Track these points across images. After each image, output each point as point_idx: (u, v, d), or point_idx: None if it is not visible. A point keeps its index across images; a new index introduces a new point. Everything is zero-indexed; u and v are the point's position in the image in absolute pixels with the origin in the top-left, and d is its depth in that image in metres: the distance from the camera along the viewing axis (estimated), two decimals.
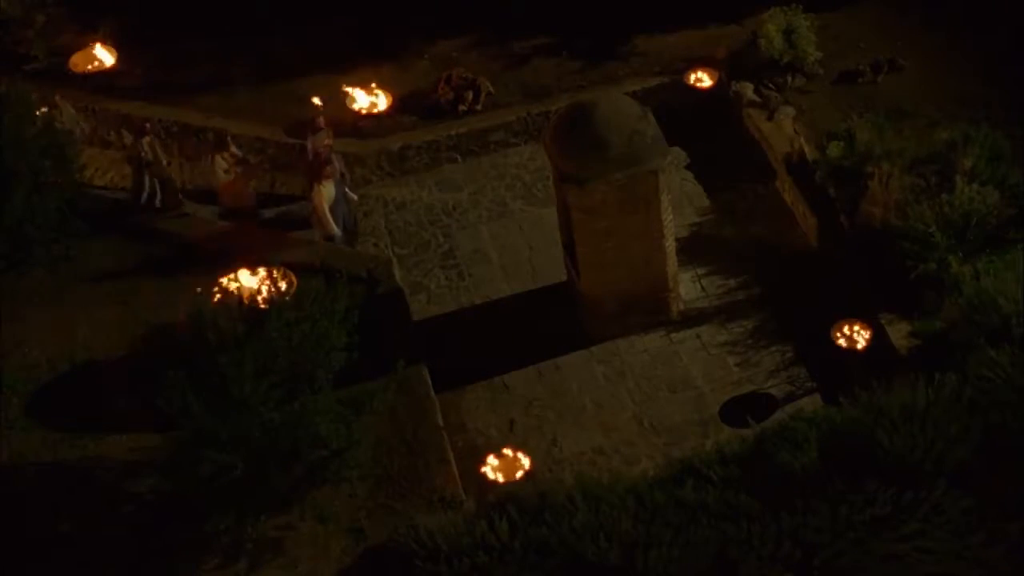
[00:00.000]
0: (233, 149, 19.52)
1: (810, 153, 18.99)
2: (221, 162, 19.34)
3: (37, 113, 18.79)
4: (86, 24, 21.80)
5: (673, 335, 17.90)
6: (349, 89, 19.77)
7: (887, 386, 14.95)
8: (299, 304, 15.35)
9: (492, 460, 15.59)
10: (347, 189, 19.04)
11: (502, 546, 14.15)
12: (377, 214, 20.05)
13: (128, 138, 20.92)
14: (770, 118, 20.02)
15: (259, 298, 15.67)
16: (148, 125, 19.73)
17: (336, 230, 18.58)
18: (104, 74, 20.79)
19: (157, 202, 19.60)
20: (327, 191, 18.42)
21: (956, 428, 14.31)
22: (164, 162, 19.73)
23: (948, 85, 19.96)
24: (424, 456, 15.90)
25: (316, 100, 19.56)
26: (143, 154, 19.41)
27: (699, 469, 14.77)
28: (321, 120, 19.27)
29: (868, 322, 16.50)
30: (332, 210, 18.52)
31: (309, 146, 19.33)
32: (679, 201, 19.12)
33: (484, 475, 15.48)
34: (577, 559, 13.90)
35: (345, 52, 21.19)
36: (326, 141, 19.08)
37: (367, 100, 19.92)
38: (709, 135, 20.32)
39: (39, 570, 14.94)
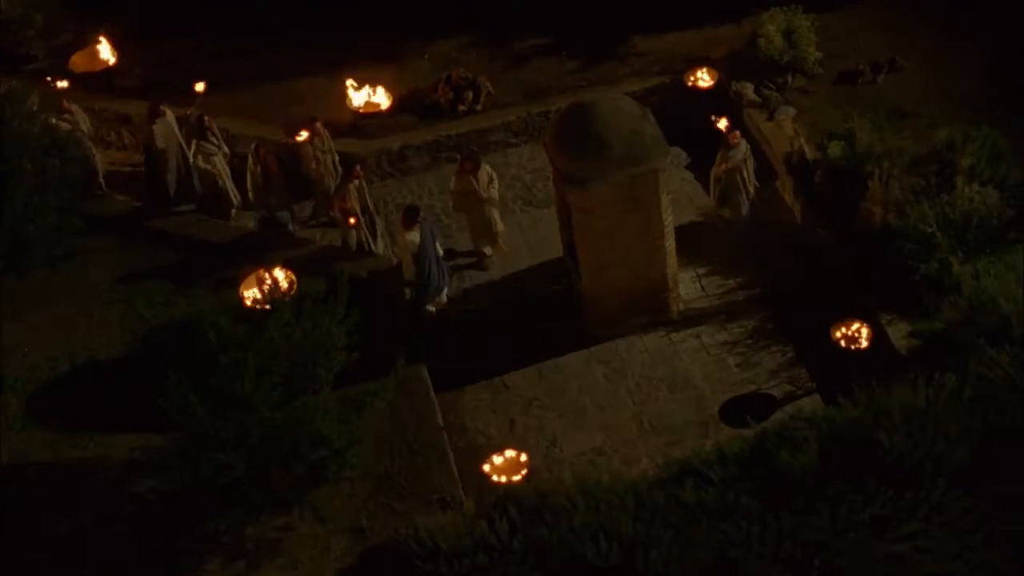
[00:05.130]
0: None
1: (810, 153, 19.00)
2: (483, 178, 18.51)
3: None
4: (86, 24, 21.81)
5: (673, 335, 17.90)
6: (351, 83, 19.74)
7: (887, 386, 14.95)
8: (300, 304, 15.36)
9: (492, 460, 15.59)
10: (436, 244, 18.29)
11: (502, 546, 14.15)
12: (377, 215, 20.05)
13: (128, 137, 20.93)
14: (770, 118, 20.04)
15: (260, 298, 15.68)
16: (359, 167, 18.82)
17: (414, 276, 18.01)
18: (104, 74, 20.83)
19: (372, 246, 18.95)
20: (407, 238, 17.78)
21: (956, 428, 14.31)
22: (372, 206, 18.98)
23: (948, 85, 19.97)
24: (424, 456, 15.91)
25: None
26: (352, 201, 18.54)
27: (699, 469, 14.77)
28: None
29: (868, 322, 16.50)
30: (418, 258, 17.89)
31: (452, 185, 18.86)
32: (679, 201, 19.13)
33: (484, 475, 15.48)
34: (577, 559, 13.89)
35: (345, 52, 21.21)
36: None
37: (367, 99, 19.94)
38: (709, 135, 20.31)
39: (40, 570, 14.94)
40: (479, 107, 20.87)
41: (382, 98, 19.97)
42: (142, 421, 15.21)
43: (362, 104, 19.96)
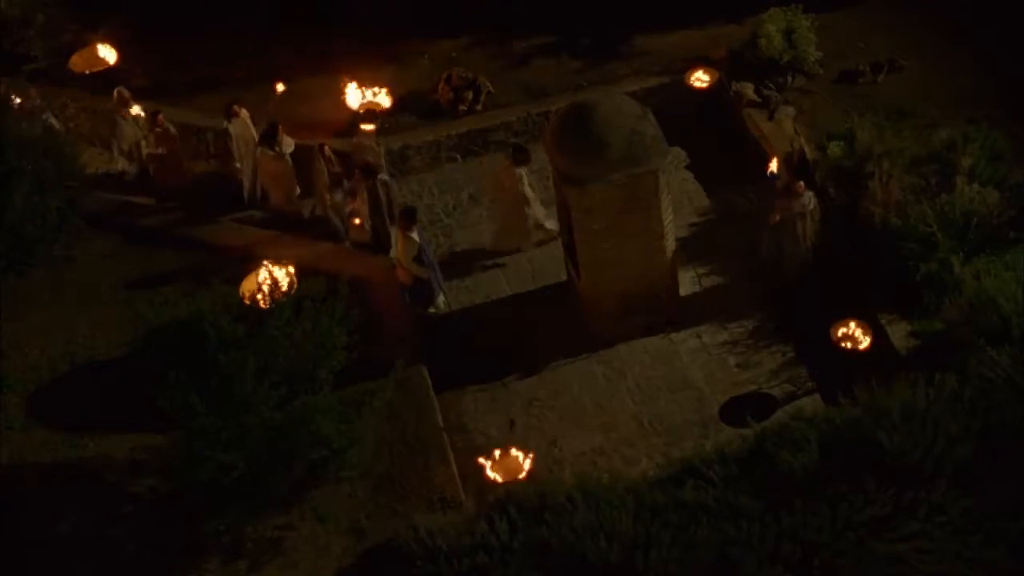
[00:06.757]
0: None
1: (810, 153, 18.98)
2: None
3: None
4: (86, 24, 21.80)
5: (673, 335, 17.90)
6: (351, 86, 19.71)
7: (887, 386, 14.96)
8: (300, 303, 15.36)
9: (492, 460, 15.59)
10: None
11: (502, 546, 14.15)
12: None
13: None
14: (770, 118, 20.02)
15: (260, 297, 15.68)
16: (372, 169, 18.67)
17: (424, 273, 17.81)
18: (104, 74, 20.82)
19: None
20: (407, 241, 17.56)
21: (956, 428, 14.32)
22: (390, 205, 18.84)
23: (948, 85, 19.97)
24: (424, 456, 15.91)
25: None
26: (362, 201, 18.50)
27: (699, 469, 14.78)
28: None
29: (868, 322, 16.50)
30: (419, 259, 17.73)
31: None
32: (679, 201, 19.12)
33: (484, 475, 15.49)
34: (577, 559, 13.90)
35: (345, 52, 21.20)
36: None
37: (367, 99, 19.90)
38: (709, 135, 20.32)
39: (39, 570, 14.95)
40: (479, 107, 20.86)
41: (368, 95, 19.95)
42: (142, 421, 15.23)
43: (360, 105, 19.92)
